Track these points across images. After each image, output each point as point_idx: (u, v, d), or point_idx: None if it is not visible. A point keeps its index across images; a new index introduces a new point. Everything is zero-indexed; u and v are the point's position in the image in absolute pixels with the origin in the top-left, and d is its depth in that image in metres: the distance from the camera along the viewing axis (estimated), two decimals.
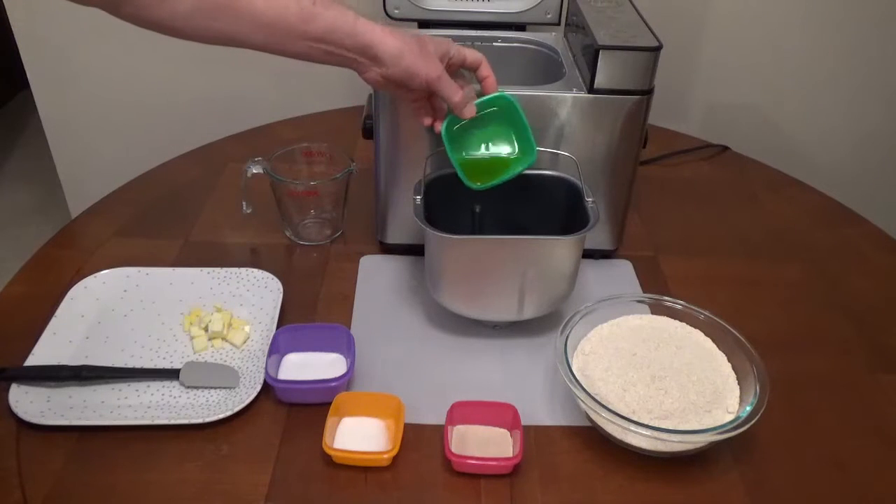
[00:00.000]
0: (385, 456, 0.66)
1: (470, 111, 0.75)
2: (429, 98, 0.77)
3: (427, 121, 0.77)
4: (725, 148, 1.21)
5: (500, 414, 0.70)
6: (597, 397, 0.67)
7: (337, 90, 1.34)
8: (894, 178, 1.45)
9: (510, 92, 0.78)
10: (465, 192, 0.84)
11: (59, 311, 0.80)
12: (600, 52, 0.78)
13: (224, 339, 0.79)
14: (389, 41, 0.70)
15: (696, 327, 0.76)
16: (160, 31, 0.69)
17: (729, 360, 0.73)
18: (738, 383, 0.71)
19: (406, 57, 0.70)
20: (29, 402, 0.69)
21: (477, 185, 0.77)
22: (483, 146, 0.79)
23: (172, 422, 0.68)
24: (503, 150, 0.79)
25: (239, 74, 1.35)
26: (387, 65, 0.70)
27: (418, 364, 0.78)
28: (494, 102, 0.76)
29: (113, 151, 1.43)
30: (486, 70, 0.76)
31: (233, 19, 0.68)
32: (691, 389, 0.69)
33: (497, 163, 0.79)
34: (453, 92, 0.73)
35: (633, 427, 0.64)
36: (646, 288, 0.89)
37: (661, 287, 0.89)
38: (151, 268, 0.86)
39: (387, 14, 1.04)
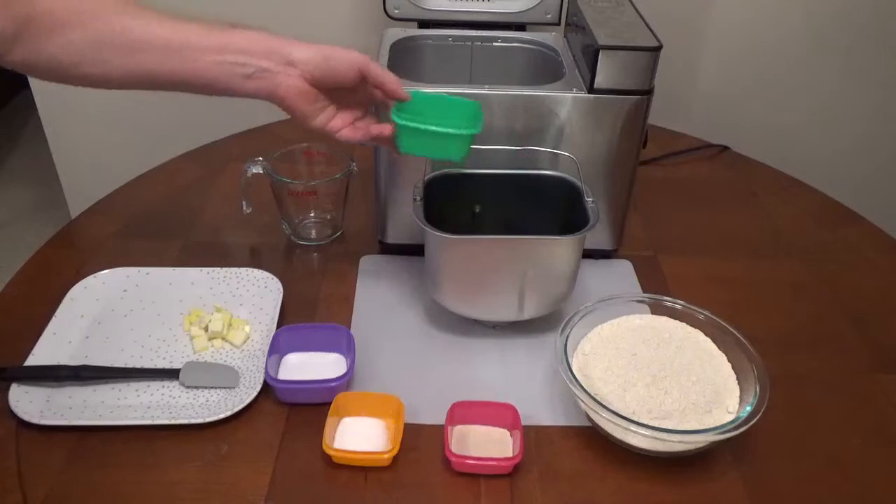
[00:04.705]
0: (385, 456, 0.66)
1: (407, 93, 0.71)
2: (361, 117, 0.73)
3: (374, 129, 0.72)
4: (725, 148, 1.21)
5: (500, 414, 0.70)
6: (597, 397, 0.67)
7: None
8: (894, 178, 1.45)
9: (510, 92, 0.78)
10: (465, 192, 0.84)
11: (59, 311, 0.80)
12: (600, 52, 0.78)
13: (224, 339, 0.79)
14: (302, 43, 0.68)
15: (696, 327, 0.76)
16: (58, 74, 0.66)
17: (729, 360, 0.73)
18: (738, 383, 0.71)
19: (323, 48, 0.68)
20: (29, 402, 0.69)
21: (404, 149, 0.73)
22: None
23: (172, 422, 0.68)
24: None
25: None
26: (303, 60, 0.67)
27: (418, 364, 0.78)
28: (415, 95, 0.72)
29: (113, 151, 1.43)
30: (377, 75, 0.70)
31: (130, 48, 0.65)
32: (691, 389, 0.69)
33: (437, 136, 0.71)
34: (387, 72, 0.69)
35: (633, 427, 0.64)
36: (646, 288, 0.89)
37: (661, 287, 0.89)
38: (151, 268, 0.86)
39: (387, 14, 1.04)
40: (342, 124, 0.72)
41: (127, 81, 0.67)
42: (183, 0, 1.30)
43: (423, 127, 0.70)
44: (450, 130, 0.71)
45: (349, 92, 0.71)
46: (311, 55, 0.68)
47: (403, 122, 0.70)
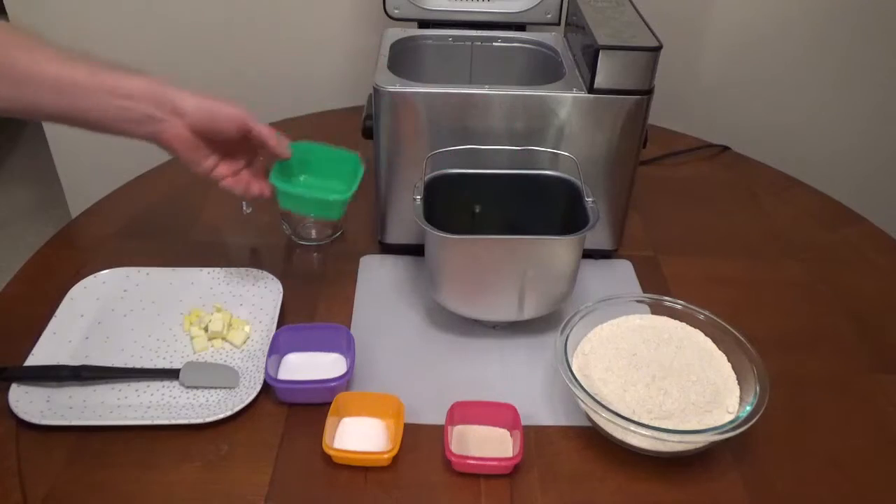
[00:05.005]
0: (385, 456, 0.66)
1: (288, 150, 0.74)
2: (246, 166, 0.75)
3: (255, 188, 0.74)
4: (725, 148, 1.21)
5: (500, 414, 0.70)
6: (597, 397, 0.67)
7: (337, 90, 1.34)
8: (894, 178, 1.45)
9: (510, 92, 0.78)
10: (465, 192, 0.84)
11: (59, 311, 0.80)
12: (600, 52, 0.78)
13: (224, 339, 0.79)
14: (187, 93, 0.69)
15: (696, 327, 0.76)
16: None
17: (729, 360, 0.73)
18: (738, 383, 0.71)
19: (208, 100, 0.69)
20: (29, 402, 0.69)
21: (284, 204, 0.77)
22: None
23: (172, 422, 0.68)
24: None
25: (239, 74, 1.35)
26: (188, 113, 0.69)
27: (418, 364, 0.78)
28: (297, 147, 0.75)
29: (113, 151, 1.43)
30: (257, 132, 0.72)
31: (16, 81, 0.65)
32: (691, 390, 0.69)
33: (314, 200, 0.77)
34: (271, 128, 0.71)
35: (633, 427, 0.64)
36: (646, 288, 0.89)
37: (661, 287, 0.89)
38: (151, 268, 0.86)
39: (387, 14, 1.04)
40: (226, 172, 0.73)
41: (14, 112, 0.68)
42: (185, 0, 1.29)
43: (298, 193, 0.75)
44: (324, 197, 0.75)
45: (233, 142, 0.72)
46: (196, 107, 0.69)
47: (281, 187, 0.74)
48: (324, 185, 0.78)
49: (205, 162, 0.72)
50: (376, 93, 0.81)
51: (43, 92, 0.66)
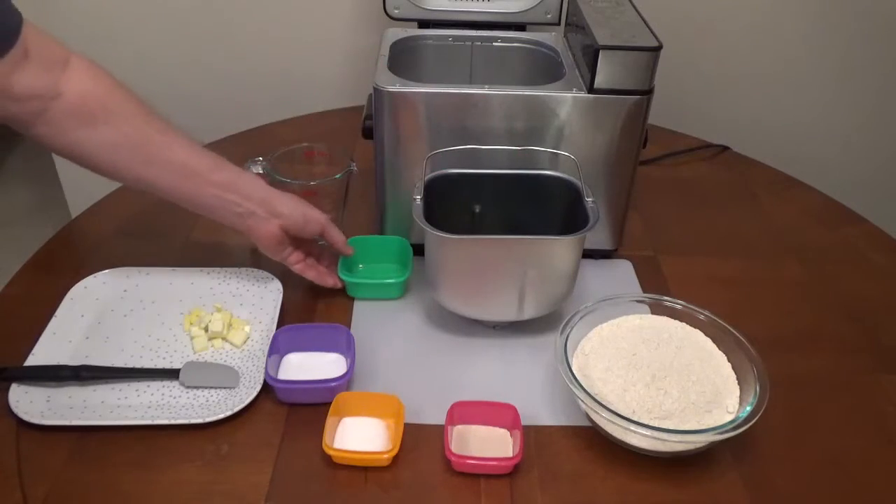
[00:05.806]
0: (385, 456, 0.66)
1: (350, 248, 0.85)
2: (307, 254, 0.84)
3: (329, 280, 0.84)
4: (725, 148, 1.21)
5: (500, 414, 0.70)
6: (597, 397, 0.67)
7: (337, 90, 1.34)
8: (894, 178, 1.45)
9: (510, 92, 0.79)
10: (465, 192, 0.84)
11: (59, 311, 0.80)
12: (600, 52, 0.78)
13: (224, 339, 0.79)
14: (286, 196, 0.79)
15: (696, 327, 0.76)
16: (71, 157, 0.74)
17: (729, 360, 0.73)
18: (738, 383, 0.71)
19: (301, 205, 0.79)
20: (29, 402, 0.69)
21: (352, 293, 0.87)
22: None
23: (172, 422, 0.68)
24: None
25: (239, 75, 1.35)
26: (285, 214, 0.78)
27: (418, 364, 0.78)
28: (354, 243, 0.87)
29: None
30: (331, 234, 0.83)
31: (147, 160, 0.74)
32: (691, 389, 0.69)
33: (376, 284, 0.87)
34: (340, 232, 0.84)
35: (633, 427, 0.64)
36: (646, 288, 0.89)
37: (661, 287, 0.89)
38: (151, 268, 0.86)
39: (387, 14, 1.04)
40: (297, 260, 0.83)
41: (130, 184, 0.77)
42: (186, 1, 1.29)
43: (365, 282, 0.87)
44: (386, 281, 0.86)
45: (306, 238, 0.83)
46: (291, 211, 0.78)
47: (349, 280, 0.85)
48: (379, 268, 0.89)
49: (283, 253, 0.81)
50: (376, 93, 0.81)
51: (167, 174, 0.75)
